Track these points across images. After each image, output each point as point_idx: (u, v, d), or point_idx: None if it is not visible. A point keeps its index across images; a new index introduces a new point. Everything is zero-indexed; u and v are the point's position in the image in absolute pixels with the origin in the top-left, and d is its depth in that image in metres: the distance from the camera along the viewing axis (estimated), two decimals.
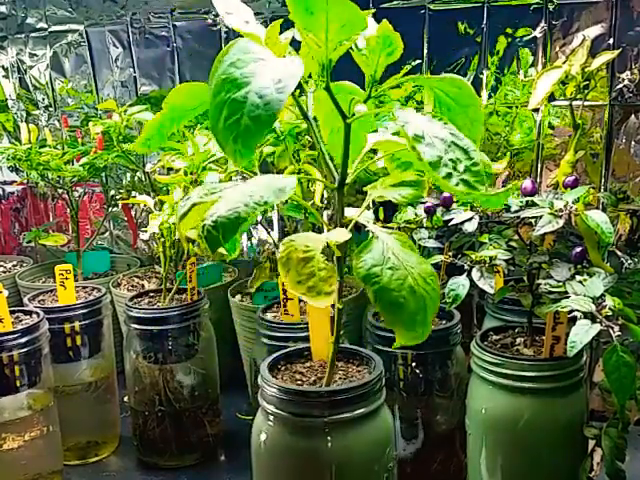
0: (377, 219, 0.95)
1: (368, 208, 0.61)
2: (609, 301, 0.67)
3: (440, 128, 0.50)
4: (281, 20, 0.54)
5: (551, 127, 1.10)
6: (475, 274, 0.74)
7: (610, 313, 0.66)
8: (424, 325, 0.52)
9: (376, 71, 0.56)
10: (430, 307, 0.53)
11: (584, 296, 0.69)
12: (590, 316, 0.67)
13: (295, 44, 0.57)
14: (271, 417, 0.65)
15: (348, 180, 0.59)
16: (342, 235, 0.54)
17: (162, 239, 1.01)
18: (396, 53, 0.55)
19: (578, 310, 0.67)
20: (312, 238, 0.53)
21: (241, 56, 0.46)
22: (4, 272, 1.47)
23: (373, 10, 0.53)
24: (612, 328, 0.65)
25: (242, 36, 0.53)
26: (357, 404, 0.63)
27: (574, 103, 0.94)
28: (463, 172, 0.48)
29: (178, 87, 0.58)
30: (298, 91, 0.53)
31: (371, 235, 0.55)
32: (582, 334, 0.65)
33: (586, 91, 0.93)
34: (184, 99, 0.58)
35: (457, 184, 0.48)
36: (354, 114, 0.57)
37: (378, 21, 0.54)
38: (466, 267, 0.76)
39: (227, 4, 0.55)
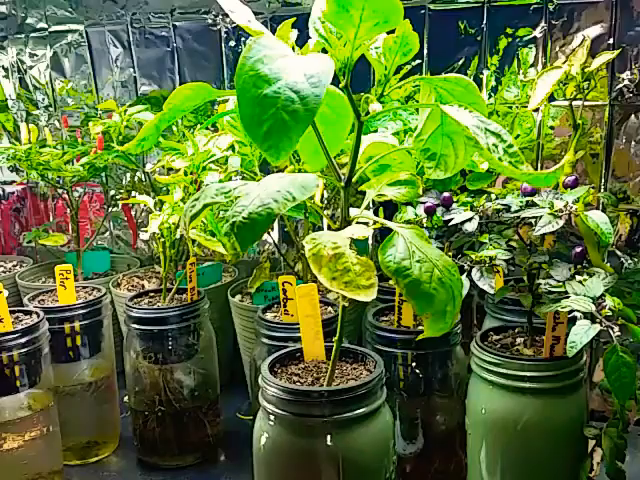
0: None
1: (368, 208, 0.61)
2: (609, 301, 0.67)
3: (471, 117, 0.50)
4: (293, 19, 0.54)
5: (551, 127, 1.10)
6: (475, 274, 0.74)
7: (610, 313, 0.66)
8: (452, 315, 0.53)
9: (389, 71, 0.56)
10: (458, 297, 0.53)
11: (584, 296, 0.69)
12: (590, 316, 0.67)
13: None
14: (272, 417, 0.65)
15: (353, 179, 0.59)
16: (362, 231, 0.54)
17: (162, 239, 1.01)
18: (411, 53, 0.55)
19: (578, 310, 0.67)
20: (335, 235, 0.53)
21: (267, 52, 0.45)
22: (4, 272, 1.47)
23: None
24: (612, 328, 0.65)
25: (248, 34, 0.52)
26: (358, 404, 0.63)
27: (574, 103, 0.94)
28: (503, 154, 0.49)
29: (177, 89, 0.57)
30: None
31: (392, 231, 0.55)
32: (582, 334, 0.65)
33: (586, 91, 0.93)
34: (183, 100, 0.58)
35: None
36: (367, 112, 0.57)
37: None
38: (466, 267, 0.76)
39: (230, 2, 0.55)
